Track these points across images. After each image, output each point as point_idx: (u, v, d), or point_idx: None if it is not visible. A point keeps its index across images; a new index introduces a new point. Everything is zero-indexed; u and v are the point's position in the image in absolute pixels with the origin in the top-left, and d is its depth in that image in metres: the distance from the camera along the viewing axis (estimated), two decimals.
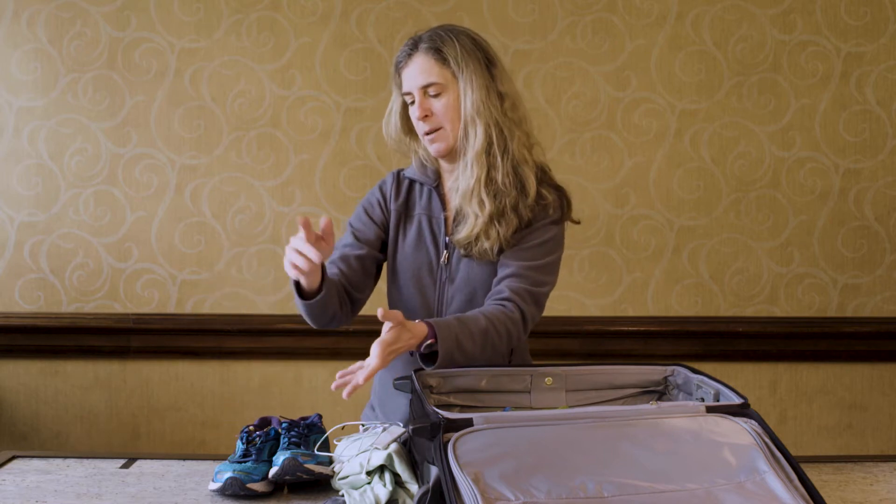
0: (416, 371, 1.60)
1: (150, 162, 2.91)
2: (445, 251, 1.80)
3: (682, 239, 2.95)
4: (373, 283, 1.87)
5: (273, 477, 1.49)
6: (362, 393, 1.87)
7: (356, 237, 1.84)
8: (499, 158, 1.72)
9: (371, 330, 1.65)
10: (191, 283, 2.93)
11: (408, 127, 1.83)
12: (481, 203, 1.72)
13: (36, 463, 1.67)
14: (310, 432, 1.61)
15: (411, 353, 1.66)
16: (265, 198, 2.92)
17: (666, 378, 1.70)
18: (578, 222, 1.86)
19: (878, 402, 3.00)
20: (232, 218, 2.93)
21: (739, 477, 1.25)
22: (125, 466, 1.65)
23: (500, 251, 1.75)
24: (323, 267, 1.65)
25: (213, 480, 1.51)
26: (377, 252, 1.85)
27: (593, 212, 2.93)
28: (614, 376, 1.69)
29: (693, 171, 2.94)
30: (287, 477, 1.49)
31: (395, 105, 1.82)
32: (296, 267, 1.55)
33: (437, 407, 1.41)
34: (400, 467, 1.42)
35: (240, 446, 1.58)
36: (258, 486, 1.49)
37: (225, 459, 1.58)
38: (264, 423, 1.70)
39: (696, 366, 1.70)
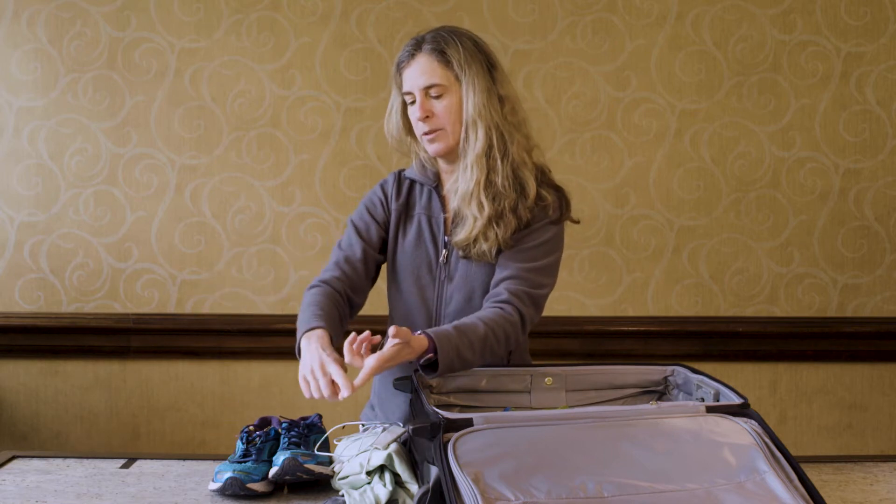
0: (415, 371, 1.60)
1: (150, 162, 2.91)
2: (444, 250, 1.80)
3: (682, 239, 2.95)
4: (371, 286, 1.87)
5: (273, 477, 1.49)
6: (362, 393, 1.87)
7: (359, 234, 1.85)
8: (499, 161, 1.72)
9: (371, 330, 1.64)
10: (191, 283, 2.93)
11: (408, 127, 1.82)
12: (480, 205, 1.72)
13: (36, 463, 1.67)
14: (310, 432, 1.61)
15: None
16: (265, 198, 2.92)
17: (666, 378, 1.70)
18: (578, 222, 1.86)
19: (878, 402, 3.00)
20: (232, 218, 2.93)
21: (739, 477, 1.25)
22: (125, 466, 1.65)
23: (499, 252, 1.75)
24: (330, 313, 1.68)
25: (213, 480, 1.51)
26: (377, 253, 1.86)
27: (593, 212, 2.93)
28: (614, 376, 1.69)
29: (693, 171, 2.94)
30: (287, 477, 1.49)
31: (395, 104, 1.82)
32: (312, 390, 1.50)
33: (437, 407, 1.41)
34: (400, 467, 1.42)
35: (240, 446, 1.58)
36: (258, 486, 1.49)
37: (225, 459, 1.58)
38: (264, 423, 1.70)
39: (696, 366, 1.71)
